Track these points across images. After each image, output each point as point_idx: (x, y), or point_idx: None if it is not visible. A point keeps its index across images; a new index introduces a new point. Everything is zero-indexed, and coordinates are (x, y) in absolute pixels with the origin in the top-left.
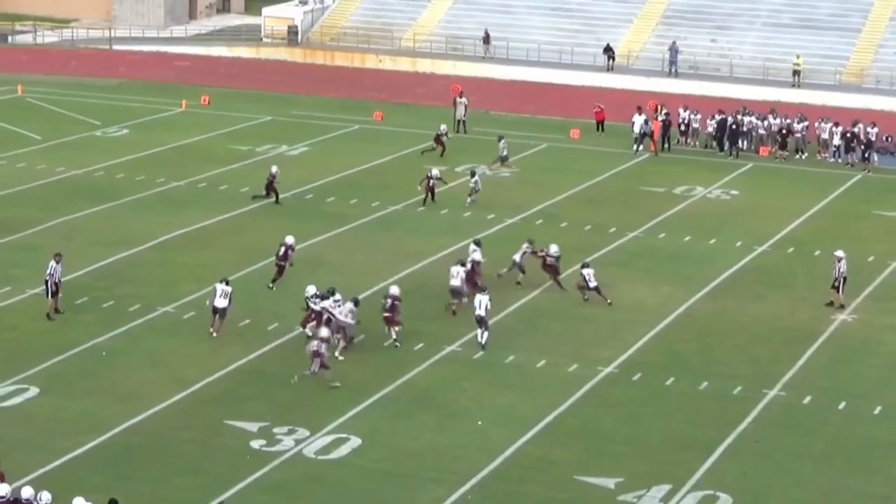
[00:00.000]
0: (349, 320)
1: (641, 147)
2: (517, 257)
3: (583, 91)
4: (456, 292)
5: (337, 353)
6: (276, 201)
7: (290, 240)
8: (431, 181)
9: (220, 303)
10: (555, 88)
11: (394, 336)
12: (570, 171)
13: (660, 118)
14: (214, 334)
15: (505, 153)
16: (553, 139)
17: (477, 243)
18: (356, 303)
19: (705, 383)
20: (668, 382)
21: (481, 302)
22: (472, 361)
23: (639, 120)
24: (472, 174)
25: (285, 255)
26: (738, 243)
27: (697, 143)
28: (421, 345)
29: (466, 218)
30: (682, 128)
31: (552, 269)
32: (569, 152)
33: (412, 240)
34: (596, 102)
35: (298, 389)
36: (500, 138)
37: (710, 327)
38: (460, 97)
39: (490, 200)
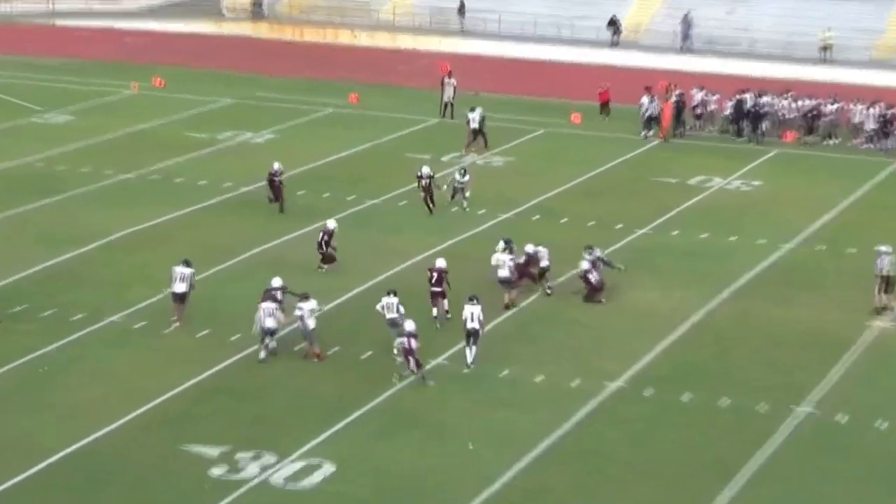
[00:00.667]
0: (309, 322)
1: (651, 132)
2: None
3: (585, 70)
4: (506, 282)
5: (262, 354)
6: (281, 209)
7: (331, 224)
8: (424, 181)
9: (179, 287)
10: (553, 66)
11: (445, 309)
12: (570, 159)
13: (672, 99)
14: (177, 323)
15: (476, 125)
16: (551, 124)
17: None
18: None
19: (725, 399)
20: (684, 398)
21: (473, 313)
22: (460, 376)
23: (648, 102)
24: (464, 172)
25: (327, 243)
26: (762, 240)
27: (714, 127)
28: (403, 357)
29: (454, 213)
30: (697, 110)
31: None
32: (569, 138)
33: (393, 238)
34: (600, 82)
35: (265, 407)
36: (473, 109)
37: (731, 335)
38: (449, 77)
39: (480, 194)
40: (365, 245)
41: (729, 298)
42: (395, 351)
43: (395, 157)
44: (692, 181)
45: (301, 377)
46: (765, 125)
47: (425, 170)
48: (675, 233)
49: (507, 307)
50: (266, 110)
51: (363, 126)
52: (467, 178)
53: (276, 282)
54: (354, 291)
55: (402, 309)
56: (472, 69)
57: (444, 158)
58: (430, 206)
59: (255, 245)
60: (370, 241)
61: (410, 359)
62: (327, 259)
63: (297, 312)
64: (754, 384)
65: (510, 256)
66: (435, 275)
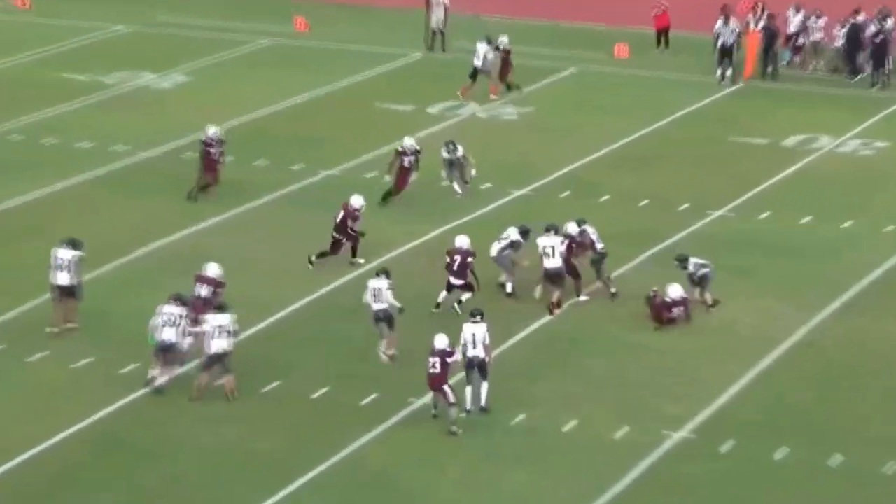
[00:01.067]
0: (216, 345)
1: (730, 72)
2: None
3: None
4: (557, 277)
5: (161, 379)
6: (193, 194)
7: (356, 201)
8: (406, 160)
9: (62, 278)
10: None
11: (462, 300)
12: (613, 110)
13: (759, 25)
14: (56, 330)
15: (481, 63)
16: (586, 59)
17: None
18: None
19: (837, 456)
20: (778, 455)
21: (475, 335)
22: (457, 422)
23: (726, 29)
24: (452, 145)
25: (344, 223)
26: (889, 227)
27: (821, 64)
28: (374, 395)
29: (444, 190)
30: (796, 40)
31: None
32: (611, 81)
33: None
34: (655, 1)
35: (177, 467)
36: (487, 40)
37: (844, 365)
38: None
39: (485, 160)
40: (316, 235)
41: (842, 312)
42: (383, 357)
43: (361, 108)
44: (789, 142)
45: (226, 425)
46: (892, 61)
47: (408, 142)
48: (765, 216)
49: (553, 309)
50: (175, 42)
51: (314, 64)
52: (460, 152)
53: (213, 270)
54: (299, 303)
55: (390, 295)
56: None
57: (432, 110)
58: (396, 188)
59: (158, 236)
60: (324, 228)
61: (447, 390)
62: (354, 246)
63: (201, 328)
64: (877, 435)
65: (560, 239)
66: (457, 259)
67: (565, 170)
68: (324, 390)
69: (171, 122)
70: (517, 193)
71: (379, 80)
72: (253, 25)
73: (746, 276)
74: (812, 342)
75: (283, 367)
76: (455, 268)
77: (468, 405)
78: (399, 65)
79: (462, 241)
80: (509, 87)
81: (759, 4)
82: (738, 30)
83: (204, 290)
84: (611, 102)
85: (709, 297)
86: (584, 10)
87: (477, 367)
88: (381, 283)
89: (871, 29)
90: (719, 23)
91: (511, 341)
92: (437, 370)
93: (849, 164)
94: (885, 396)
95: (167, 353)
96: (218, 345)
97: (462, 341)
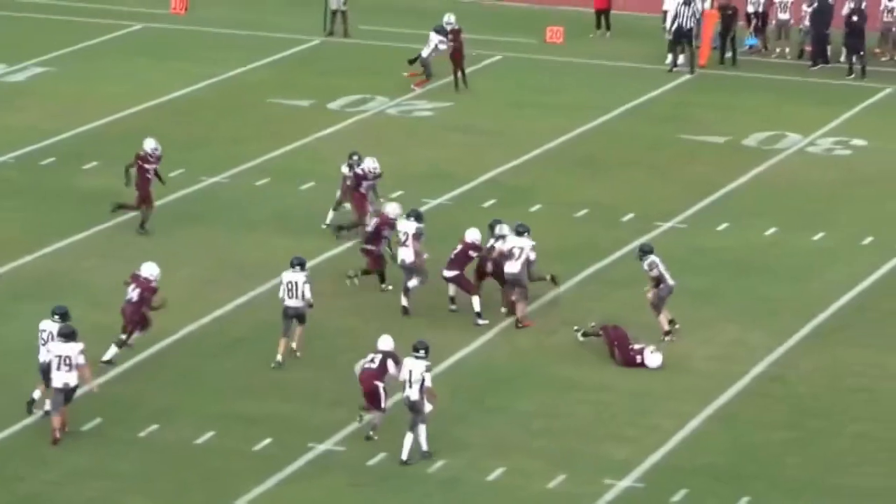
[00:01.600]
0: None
1: (682, 58)
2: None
3: None
4: (516, 283)
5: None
6: (142, 223)
7: (393, 210)
8: (362, 183)
9: None
10: None
11: (476, 309)
12: (546, 105)
13: (714, 3)
14: None
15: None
16: (514, 46)
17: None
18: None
19: None
20: None
21: (413, 372)
22: (363, 470)
23: (685, 10)
24: (357, 157)
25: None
26: (867, 239)
27: (787, 49)
28: (267, 440)
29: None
30: (759, 21)
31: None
32: (544, 69)
33: (248, 239)
34: None
35: None
36: (441, 29)
37: (814, 402)
38: None
39: (394, 164)
40: (199, 252)
41: (812, 341)
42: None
43: (250, 104)
44: (750, 141)
45: (94, 479)
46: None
47: (369, 164)
48: (723, 228)
49: (519, 321)
50: (29, 26)
51: (195, 53)
52: (368, 166)
53: (148, 270)
54: (179, 334)
55: (308, 293)
56: None
57: (333, 105)
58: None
59: (8, 258)
60: (208, 245)
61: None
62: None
63: (44, 356)
64: (851, 484)
65: (532, 243)
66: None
67: (489, 175)
68: (209, 434)
69: (25, 121)
70: (433, 203)
71: (270, 70)
72: (123, 7)
73: (702, 298)
74: (778, 376)
75: (162, 408)
76: (452, 256)
77: (403, 455)
78: (293, 52)
79: (472, 235)
80: (461, 83)
81: None
82: (699, 12)
83: (135, 294)
84: (543, 96)
85: (664, 320)
86: None
87: (414, 412)
88: (297, 277)
89: (847, 8)
90: (677, 1)
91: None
92: (376, 365)
93: (820, 167)
94: (860, 439)
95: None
96: (60, 378)
97: (400, 376)
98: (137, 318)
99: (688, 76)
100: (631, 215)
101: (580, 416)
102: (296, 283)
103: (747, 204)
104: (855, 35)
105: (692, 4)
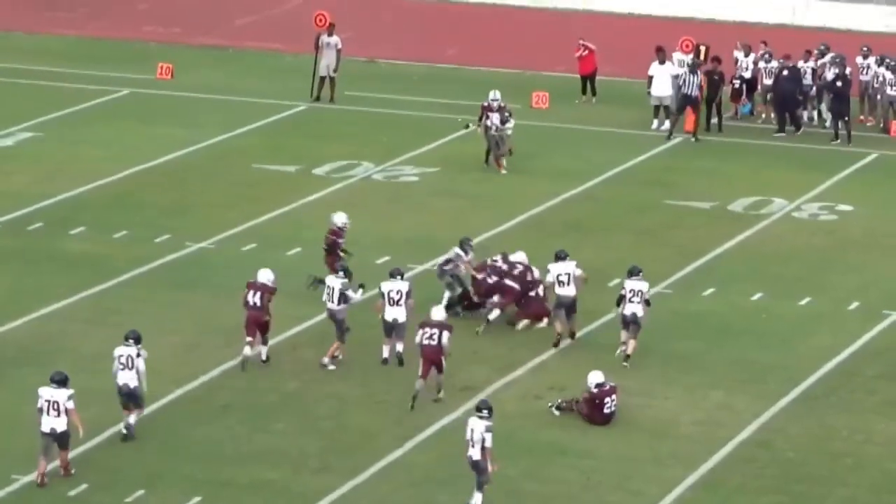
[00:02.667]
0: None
1: (668, 123)
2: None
3: (555, 18)
4: (571, 305)
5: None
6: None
7: (339, 219)
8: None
9: None
10: (502, 13)
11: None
12: (532, 170)
13: (699, 70)
14: None
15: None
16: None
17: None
18: None
19: None
20: None
21: (475, 430)
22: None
23: (661, 72)
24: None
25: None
26: (854, 304)
27: (773, 114)
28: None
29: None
30: (737, 85)
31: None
32: (530, 134)
33: (231, 306)
34: (579, 39)
35: None
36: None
37: (802, 469)
38: (328, 34)
39: (382, 227)
40: (185, 318)
41: (799, 406)
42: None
43: (236, 169)
44: (736, 206)
45: None
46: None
47: (339, 219)
48: (709, 293)
49: (559, 341)
50: (17, 91)
51: (181, 118)
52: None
53: (265, 275)
54: (167, 399)
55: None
56: (372, 21)
57: (319, 171)
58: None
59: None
60: (194, 311)
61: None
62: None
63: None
64: None
65: (575, 263)
66: (515, 269)
67: (475, 240)
68: (195, 500)
69: (13, 186)
70: (419, 269)
71: (256, 136)
72: (110, 73)
73: (687, 363)
74: (765, 441)
75: (148, 474)
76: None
77: None
78: (280, 118)
79: (520, 256)
80: (491, 161)
81: (699, 45)
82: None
83: (256, 299)
84: (528, 161)
85: (631, 345)
86: (498, 53)
87: (473, 468)
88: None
89: (832, 73)
90: (654, 65)
91: (409, 443)
92: (436, 342)
93: (807, 232)
94: None
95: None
96: (48, 424)
97: (468, 438)
98: (263, 320)
99: (676, 139)
100: (617, 280)
101: (566, 481)
102: (333, 288)
103: (733, 269)
104: (840, 100)
105: (697, 74)
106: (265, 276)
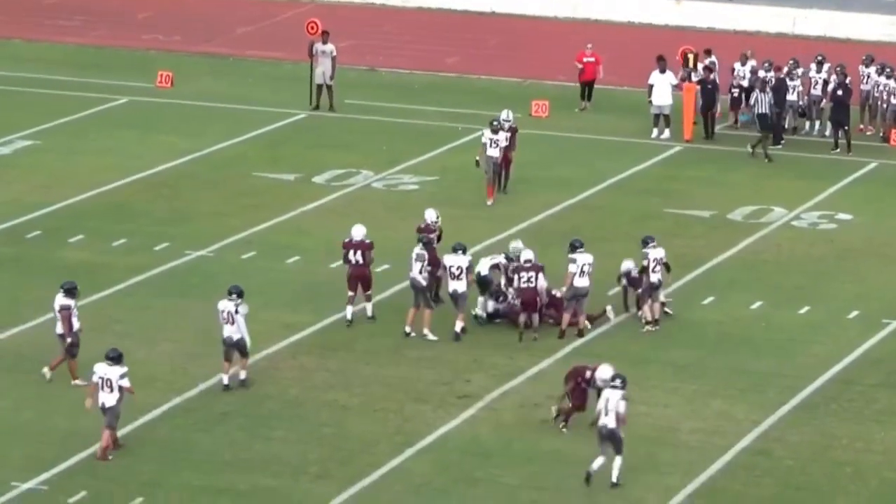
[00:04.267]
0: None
1: (668, 131)
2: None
3: (554, 27)
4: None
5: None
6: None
7: (358, 232)
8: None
9: None
10: (503, 22)
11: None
12: (530, 179)
13: (695, 77)
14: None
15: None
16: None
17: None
18: None
19: None
20: None
21: (609, 400)
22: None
23: (662, 81)
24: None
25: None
26: (853, 313)
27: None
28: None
29: (334, 271)
30: (735, 94)
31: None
32: (530, 143)
33: None
34: (587, 45)
35: None
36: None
37: (802, 477)
38: (323, 42)
39: (381, 235)
40: (184, 326)
41: (799, 414)
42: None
43: (236, 177)
44: (736, 215)
45: None
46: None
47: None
48: (709, 302)
49: (582, 331)
50: (17, 100)
51: (181, 125)
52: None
53: (359, 232)
54: (166, 406)
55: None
56: (371, 29)
57: (318, 179)
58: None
59: None
60: (193, 319)
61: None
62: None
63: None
64: None
65: (591, 257)
66: (527, 273)
67: (474, 249)
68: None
69: (11, 194)
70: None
71: (255, 144)
72: (110, 81)
73: (687, 372)
74: (764, 450)
75: (147, 481)
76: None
77: (594, 466)
78: (279, 126)
79: (529, 253)
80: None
81: (696, 53)
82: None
83: (358, 256)
84: (528, 170)
85: (654, 309)
86: (499, 61)
87: (607, 438)
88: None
89: (833, 82)
90: (654, 73)
91: (409, 451)
92: (534, 284)
93: (806, 241)
94: None
95: (233, 348)
96: (100, 399)
97: (598, 409)
98: (367, 275)
99: (675, 148)
100: (617, 289)
101: (565, 489)
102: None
103: (733, 278)
104: (840, 109)
105: (672, 78)
106: (359, 232)
